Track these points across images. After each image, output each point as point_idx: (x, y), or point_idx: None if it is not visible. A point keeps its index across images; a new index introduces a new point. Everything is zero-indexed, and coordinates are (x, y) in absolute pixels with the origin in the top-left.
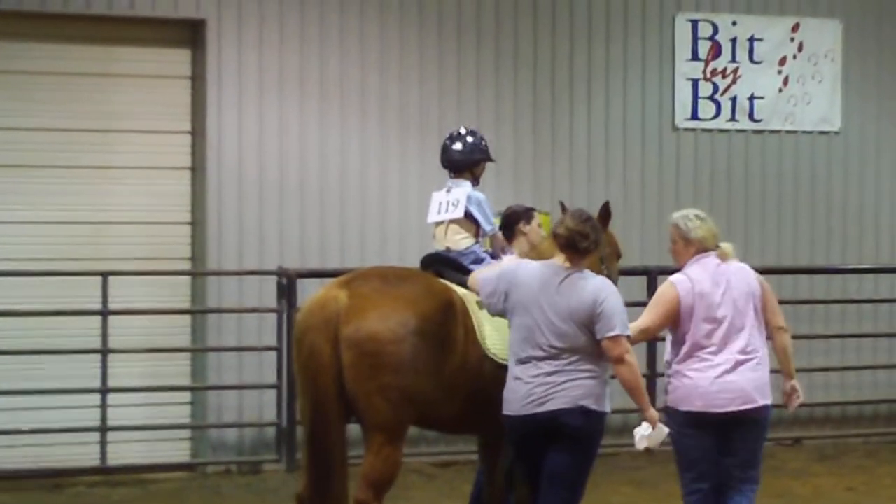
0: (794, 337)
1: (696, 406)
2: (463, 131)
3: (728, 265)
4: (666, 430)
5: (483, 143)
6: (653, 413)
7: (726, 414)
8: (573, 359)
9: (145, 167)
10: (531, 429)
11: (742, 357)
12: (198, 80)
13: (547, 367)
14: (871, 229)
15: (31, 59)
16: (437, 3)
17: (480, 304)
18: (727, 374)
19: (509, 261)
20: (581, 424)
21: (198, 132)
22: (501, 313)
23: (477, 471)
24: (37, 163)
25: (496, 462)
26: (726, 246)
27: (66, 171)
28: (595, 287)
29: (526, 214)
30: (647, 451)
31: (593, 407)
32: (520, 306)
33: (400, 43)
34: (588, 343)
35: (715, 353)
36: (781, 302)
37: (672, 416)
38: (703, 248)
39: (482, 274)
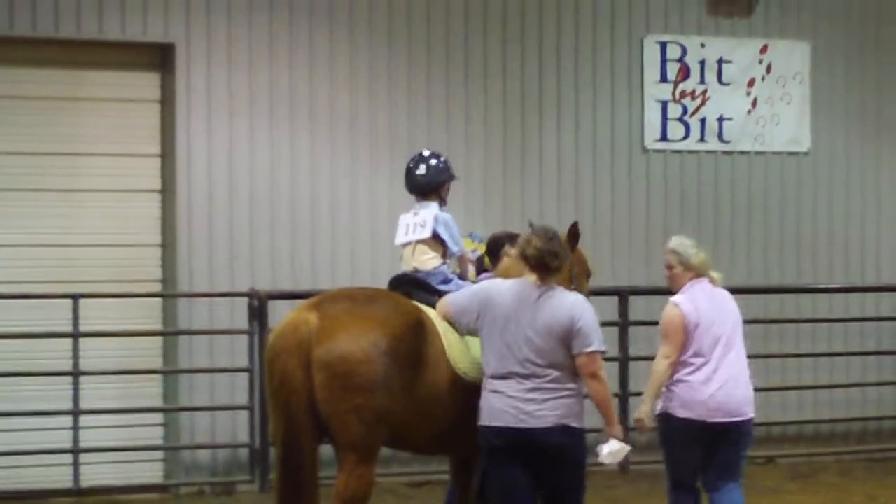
0: (767, 356)
1: (696, 414)
2: (426, 153)
3: (718, 289)
4: (629, 447)
5: (446, 163)
6: (619, 429)
7: (721, 424)
8: (553, 376)
9: (115, 190)
10: (512, 442)
11: (736, 372)
12: (167, 104)
13: (529, 384)
14: (840, 249)
15: None
16: (406, 24)
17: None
18: (724, 387)
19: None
20: (563, 442)
21: (167, 155)
22: (472, 331)
23: (447, 491)
24: (7, 186)
25: (469, 482)
26: (716, 274)
27: (36, 195)
28: (571, 303)
29: (511, 239)
30: (619, 466)
31: (574, 425)
32: (496, 323)
33: (369, 63)
34: (565, 359)
35: (714, 369)
36: (753, 321)
37: (669, 422)
38: (699, 273)
39: (451, 296)
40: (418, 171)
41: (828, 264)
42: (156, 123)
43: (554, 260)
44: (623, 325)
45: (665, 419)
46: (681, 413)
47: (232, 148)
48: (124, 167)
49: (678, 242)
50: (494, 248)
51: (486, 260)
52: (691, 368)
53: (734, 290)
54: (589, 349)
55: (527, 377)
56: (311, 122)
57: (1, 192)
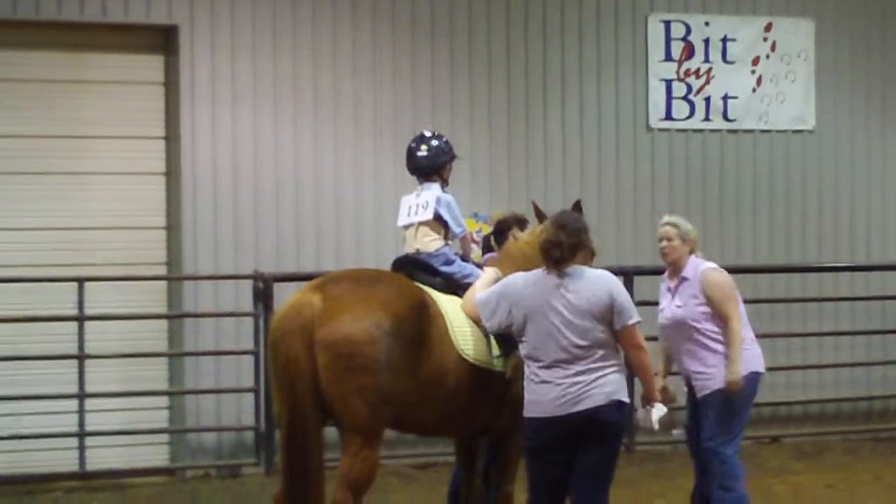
0: (772, 335)
1: (761, 367)
2: (427, 134)
3: None
4: (666, 408)
5: (447, 144)
6: (658, 395)
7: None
8: (598, 355)
9: (120, 173)
10: (564, 429)
11: None
12: (171, 86)
13: (576, 367)
14: (846, 227)
15: (2, 67)
16: (409, 6)
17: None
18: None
19: (489, 272)
20: (616, 418)
21: (172, 137)
22: (505, 330)
23: (452, 472)
24: (10, 170)
25: (473, 464)
26: (700, 252)
27: (40, 178)
28: (605, 280)
29: (519, 222)
30: (625, 448)
31: (625, 399)
32: (530, 316)
33: (373, 46)
34: (607, 336)
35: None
36: (758, 301)
37: (752, 380)
38: (692, 248)
39: (476, 297)
40: (419, 153)
41: (833, 243)
42: (160, 106)
43: (556, 250)
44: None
45: (748, 379)
46: (757, 367)
47: (236, 130)
48: (128, 150)
49: (673, 217)
50: (502, 230)
51: (492, 240)
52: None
53: (740, 270)
54: (631, 321)
55: (571, 361)
56: (314, 104)
57: (5, 176)
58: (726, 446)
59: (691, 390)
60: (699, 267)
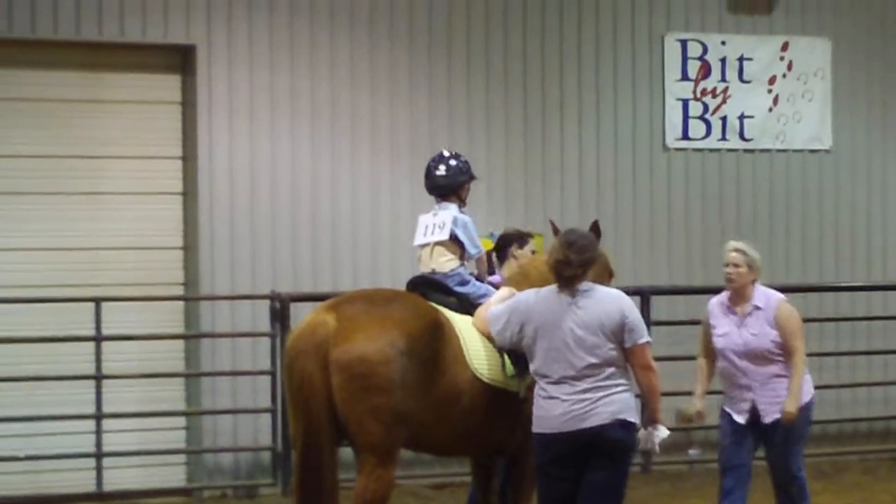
0: None
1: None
2: (446, 154)
3: None
4: (668, 431)
5: (466, 164)
6: (662, 417)
7: None
8: (607, 373)
9: (137, 193)
10: (570, 445)
11: None
12: (188, 106)
13: (584, 384)
14: (863, 247)
15: (21, 86)
16: (426, 25)
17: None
18: None
19: (504, 291)
20: (622, 437)
21: (189, 157)
22: (515, 345)
23: (469, 492)
24: (28, 190)
25: (489, 483)
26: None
27: (57, 198)
28: (617, 298)
29: (520, 239)
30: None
31: (631, 419)
32: (541, 332)
33: (390, 65)
34: (617, 355)
35: None
36: None
37: (808, 409)
38: (757, 276)
39: (488, 312)
40: (437, 172)
41: (850, 262)
42: (177, 126)
43: (567, 269)
44: (646, 325)
45: (806, 407)
46: (811, 394)
47: (253, 150)
48: (146, 170)
49: (740, 243)
50: (502, 244)
51: (494, 257)
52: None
53: None
54: (641, 341)
55: (580, 378)
56: (332, 123)
57: (23, 196)
58: (801, 469)
59: (752, 413)
60: (771, 296)
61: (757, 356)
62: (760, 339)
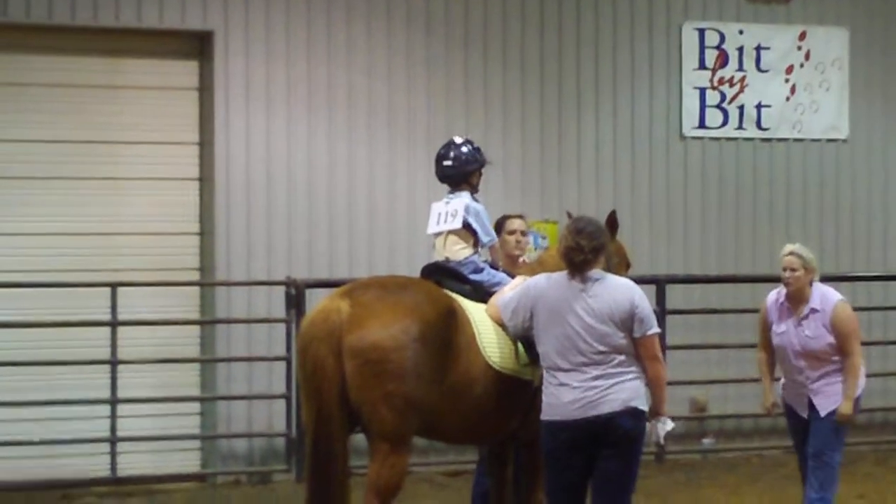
0: None
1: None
2: (458, 140)
3: None
4: (673, 423)
5: (477, 151)
6: (667, 409)
7: None
8: (618, 360)
9: (154, 178)
10: (580, 433)
11: None
12: (205, 92)
13: (594, 371)
14: (879, 236)
15: (39, 72)
16: (443, 13)
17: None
18: None
19: (519, 279)
20: (632, 425)
21: (206, 143)
22: (525, 332)
23: (475, 476)
24: (45, 174)
25: (503, 472)
26: None
27: (74, 183)
28: (627, 288)
29: (497, 227)
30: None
31: (642, 407)
32: (551, 318)
33: (406, 53)
34: (626, 343)
35: None
36: None
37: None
38: (814, 276)
39: (499, 298)
40: (445, 161)
41: (866, 252)
42: (194, 112)
43: (578, 254)
44: (660, 313)
45: (855, 402)
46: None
47: (270, 136)
48: (163, 155)
49: (797, 246)
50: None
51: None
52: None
53: (773, 279)
54: (650, 332)
55: (590, 365)
56: (348, 110)
57: (39, 181)
58: (838, 460)
59: (811, 407)
60: (828, 297)
61: (813, 356)
62: (817, 341)
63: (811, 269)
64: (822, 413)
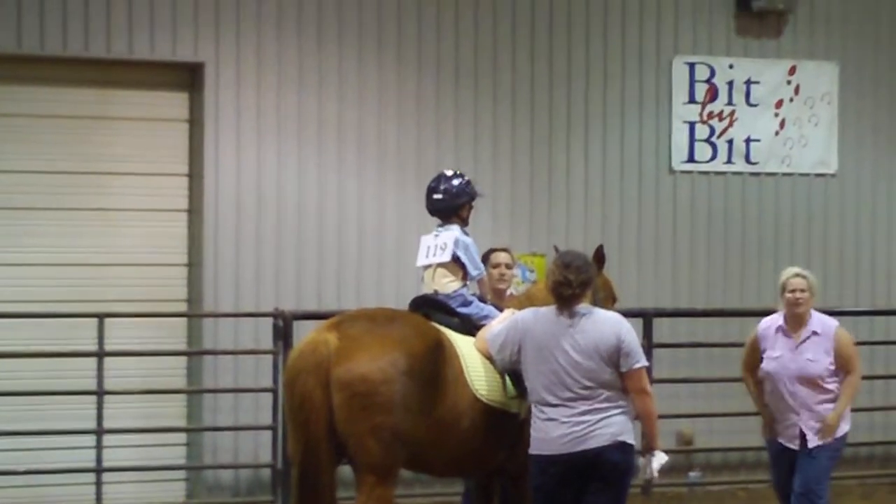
0: None
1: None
2: (448, 174)
3: None
4: (666, 457)
5: (467, 185)
6: (659, 443)
7: None
8: (604, 395)
9: (142, 209)
10: (569, 467)
11: None
12: (195, 123)
13: (582, 406)
14: (867, 272)
15: (28, 102)
16: (434, 46)
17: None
18: None
19: (507, 313)
20: (621, 459)
21: (195, 175)
22: (513, 366)
23: None
24: (34, 205)
25: None
26: None
27: (63, 214)
28: (614, 322)
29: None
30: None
31: (630, 441)
32: (538, 353)
33: (397, 85)
34: (613, 378)
35: None
36: None
37: (844, 438)
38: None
39: (488, 332)
40: (435, 195)
41: (854, 287)
42: (184, 143)
43: (567, 289)
44: (647, 346)
45: (840, 439)
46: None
47: (259, 168)
48: (152, 186)
49: (800, 269)
50: None
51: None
52: None
53: (762, 313)
54: (637, 365)
55: (578, 400)
56: (338, 142)
57: (28, 211)
58: (825, 497)
59: (801, 438)
60: (826, 322)
61: (810, 381)
62: (816, 365)
63: (814, 293)
64: (813, 445)
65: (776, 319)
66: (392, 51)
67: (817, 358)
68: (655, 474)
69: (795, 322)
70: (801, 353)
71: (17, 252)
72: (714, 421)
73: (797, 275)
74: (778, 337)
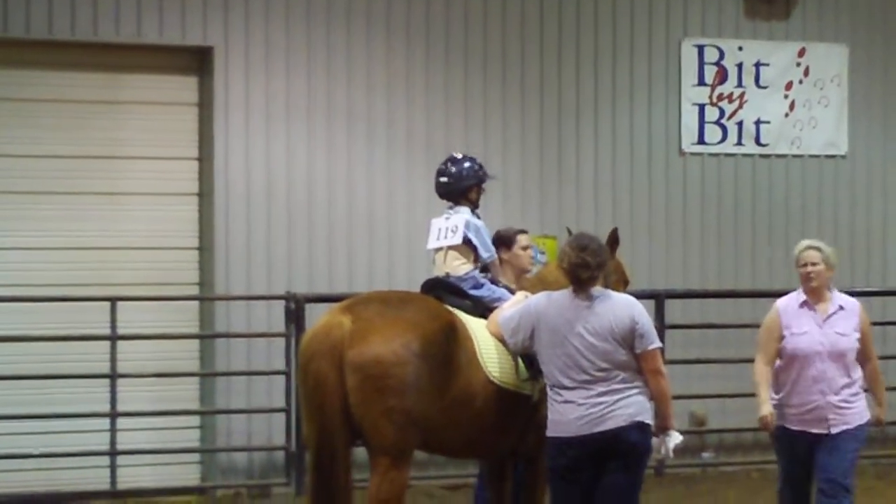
0: None
1: None
2: (458, 156)
3: None
4: (681, 436)
5: (474, 167)
6: (674, 423)
7: None
8: (621, 377)
9: (153, 193)
10: (587, 449)
11: None
12: (205, 107)
13: (598, 387)
14: (878, 252)
15: (39, 87)
16: (443, 29)
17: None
18: None
19: (520, 295)
20: (638, 439)
21: (205, 158)
22: (526, 349)
23: (474, 494)
24: (45, 189)
25: (503, 487)
26: None
27: (74, 198)
28: (627, 304)
29: (507, 240)
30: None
31: (647, 421)
32: (553, 337)
33: (406, 68)
34: (628, 359)
35: None
36: None
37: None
38: (832, 274)
39: (500, 315)
40: (441, 178)
41: (865, 268)
42: (194, 127)
43: (585, 271)
44: (659, 328)
45: (866, 426)
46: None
47: (269, 151)
48: (162, 170)
49: (814, 241)
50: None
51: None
52: None
53: (772, 294)
54: (651, 346)
55: (595, 382)
56: (348, 126)
57: (39, 196)
58: (852, 481)
59: (826, 426)
60: (849, 299)
61: (841, 359)
62: (848, 339)
63: (831, 266)
64: (836, 430)
65: (796, 296)
66: (401, 34)
67: (847, 332)
68: (671, 454)
69: (816, 296)
70: (831, 326)
71: (28, 236)
72: (727, 402)
73: (809, 247)
74: (802, 312)
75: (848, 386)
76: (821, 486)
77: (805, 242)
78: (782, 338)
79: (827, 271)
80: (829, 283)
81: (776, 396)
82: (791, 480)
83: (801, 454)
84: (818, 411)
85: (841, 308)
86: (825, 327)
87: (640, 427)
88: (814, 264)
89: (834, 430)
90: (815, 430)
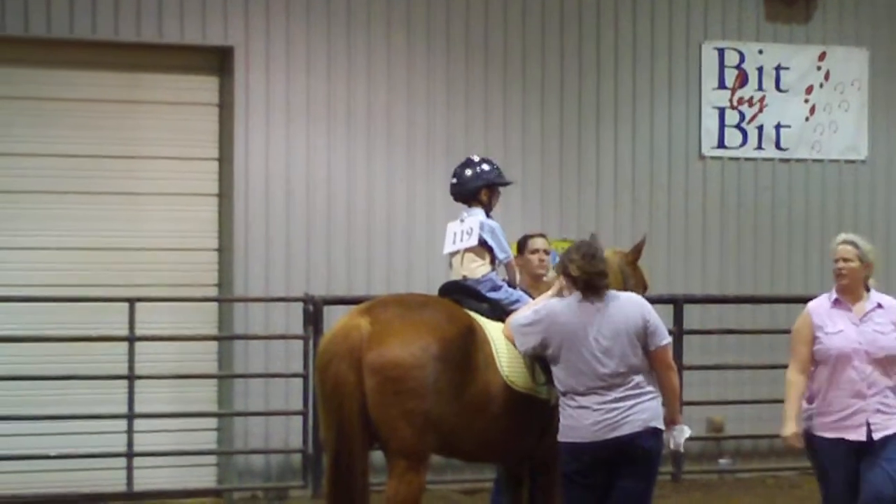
0: None
1: None
2: (476, 159)
3: None
4: (689, 430)
5: (486, 169)
6: (680, 417)
7: None
8: (635, 381)
9: (173, 194)
10: (601, 454)
11: None
12: (225, 107)
13: (613, 393)
14: None
15: (59, 86)
16: (463, 31)
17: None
18: None
19: (542, 299)
20: (653, 445)
21: (225, 159)
22: (538, 354)
23: (491, 498)
24: (64, 189)
25: (519, 490)
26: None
27: (93, 198)
28: (636, 303)
29: (520, 244)
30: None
31: (661, 426)
32: (566, 343)
33: (427, 70)
34: (642, 363)
35: None
36: None
37: None
38: (871, 272)
39: (514, 320)
40: (452, 180)
41: (885, 272)
42: (214, 127)
43: (602, 280)
44: (678, 333)
45: None
46: None
47: (289, 152)
48: (182, 171)
49: (851, 235)
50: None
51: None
52: None
53: (792, 300)
54: (663, 343)
55: (609, 388)
56: (368, 127)
57: (58, 195)
58: None
59: (867, 430)
60: (886, 297)
61: (881, 358)
62: (888, 337)
63: (868, 264)
64: (879, 436)
65: (828, 296)
66: (421, 36)
67: (886, 330)
68: (681, 448)
69: (850, 294)
70: (868, 324)
71: (47, 236)
72: (744, 408)
73: (844, 241)
74: (835, 312)
75: (888, 390)
76: (863, 498)
77: (841, 236)
78: (815, 339)
79: (863, 269)
80: (866, 283)
81: (810, 406)
82: (835, 501)
83: (840, 466)
84: (857, 416)
85: (879, 306)
86: (862, 325)
87: (655, 433)
88: (846, 260)
89: (876, 437)
90: (852, 437)
